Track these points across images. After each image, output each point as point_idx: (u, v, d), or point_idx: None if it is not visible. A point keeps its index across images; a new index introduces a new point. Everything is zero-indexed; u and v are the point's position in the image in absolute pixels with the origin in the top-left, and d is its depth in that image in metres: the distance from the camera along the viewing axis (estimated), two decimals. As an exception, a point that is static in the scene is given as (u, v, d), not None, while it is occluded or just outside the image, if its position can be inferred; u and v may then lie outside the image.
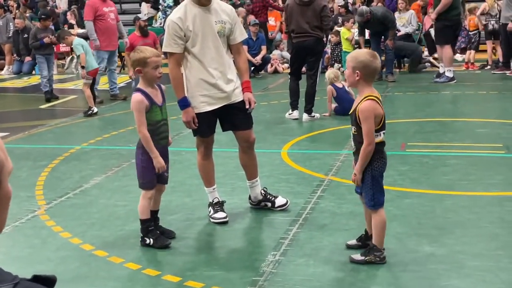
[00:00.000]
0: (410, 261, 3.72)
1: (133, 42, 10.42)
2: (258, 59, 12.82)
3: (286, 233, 4.24)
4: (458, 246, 3.93)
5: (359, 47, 12.32)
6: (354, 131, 3.61)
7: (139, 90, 4.00)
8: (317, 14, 7.82)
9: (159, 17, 18.09)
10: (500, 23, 11.72)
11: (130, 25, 17.15)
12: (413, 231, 4.17)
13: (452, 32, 10.74)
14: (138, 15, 11.05)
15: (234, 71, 4.53)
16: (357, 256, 3.72)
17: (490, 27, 12.49)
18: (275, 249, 3.98)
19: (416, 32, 13.20)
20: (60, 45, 15.03)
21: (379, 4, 14.06)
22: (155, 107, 4.00)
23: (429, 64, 12.72)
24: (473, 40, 12.87)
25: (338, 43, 12.78)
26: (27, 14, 16.92)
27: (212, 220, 4.53)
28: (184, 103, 4.34)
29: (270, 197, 4.75)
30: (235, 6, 14.36)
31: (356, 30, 12.30)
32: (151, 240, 4.06)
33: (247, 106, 4.47)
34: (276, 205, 4.72)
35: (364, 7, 11.60)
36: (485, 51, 13.16)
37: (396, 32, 12.31)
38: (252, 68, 12.48)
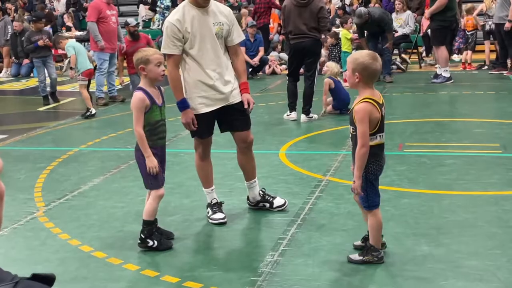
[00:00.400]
0: (407, 261, 3.73)
1: (126, 48, 10.63)
2: (255, 60, 12.84)
3: (285, 234, 4.26)
4: (455, 245, 3.95)
5: (358, 48, 12.36)
6: (352, 131, 3.63)
7: (140, 89, 4.01)
8: (314, 15, 7.83)
9: (156, 19, 18.12)
10: (494, 23, 11.76)
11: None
12: (410, 231, 4.19)
13: (447, 33, 10.77)
14: (127, 19, 11.07)
15: (232, 72, 4.54)
16: (355, 256, 3.74)
17: (488, 27, 12.53)
18: (273, 250, 3.99)
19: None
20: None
21: (376, 5, 14.11)
22: (155, 107, 4.02)
23: (395, 67, 12.65)
24: (470, 41, 12.90)
25: (336, 45, 12.80)
26: (25, 17, 16.92)
27: (210, 221, 4.55)
28: (183, 105, 4.35)
29: (269, 198, 4.76)
30: (232, 8, 14.39)
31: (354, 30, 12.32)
32: (155, 242, 4.06)
33: (245, 106, 4.48)
34: (274, 206, 4.73)
35: (362, 8, 11.62)
36: (482, 51, 13.19)
37: (394, 33, 12.35)
38: (250, 69, 12.50)
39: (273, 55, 14.03)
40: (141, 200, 4.68)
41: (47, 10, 18.41)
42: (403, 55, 13.39)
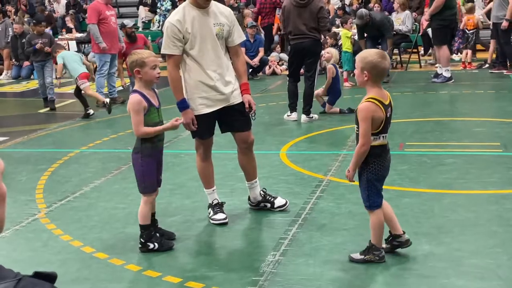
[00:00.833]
0: (409, 260, 3.74)
1: (125, 49, 10.68)
2: (256, 61, 12.85)
3: (286, 233, 4.27)
4: (456, 244, 3.95)
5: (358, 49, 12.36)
6: (356, 130, 3.63)
7: (136, 91, 3.99)
8: (314, 15, 7.84)
9: (156, 20, 18.13)
10: (492, 23, 11.77)
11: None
12: (411, 230, 4.18)
13: (448, 32, 10.79)
14: (124, 21, 11.12)
15: (232, 73, 4.55)
16: (356, 255, 3.74)
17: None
18: (274, 249, 4.00)
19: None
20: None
21: (376, 5, 14.13)
22: (153, 109, 4.01)
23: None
24: (469, 40, 12.90)
25: (335, 45, 12.80)
26: (25, 19, 16.95)
27: (212, 221, 4.55)
28: (183, 105, 4.36)
29: (270, 198, 4.77)
30: (232, 8, 14.39)
31: (355, 31, 12.33)
32: (156, 244, 4.07)
33: (246, 106, 4.48)
34: (275, 206, 4.74)
35: (364, 10, 11.65)
36: (482, 50, 13.19)
37: (394, 32, 12.37)
38: (250, 70, 12.50)
39: (273, 55, 14.04)
40: (142, 201, 4.68)
41: (47, 12, 18.42)
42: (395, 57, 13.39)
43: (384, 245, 3.81)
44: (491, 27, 12.57)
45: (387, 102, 3.57)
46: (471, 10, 13.13)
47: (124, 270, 3.85)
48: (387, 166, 3.68)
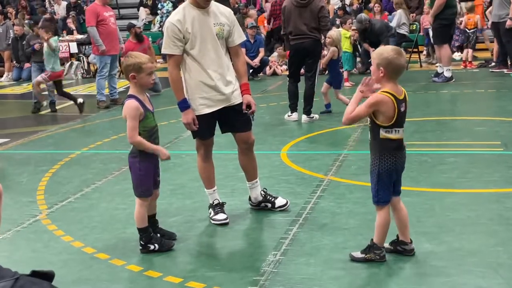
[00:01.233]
0: (410, 259, 3.74)
1: (131, 50, 10.59)
2: (256, 61, 12.86)
3: (287, 233, 4.27)
4: (457, 243, 3.96)
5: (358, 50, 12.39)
6: (369, 123, 3.64)
7: (133, 96, 3.92)
8: (315, 15, 7.84)
9: (157, 21, 18.15)
10: (492, 22, 11.77)
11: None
12: (412, 229, 4.16)
13: (449, 31, 10.79)
14: (132, 21, 11.21)
15: (233, 73, 4.55)
16: (357, 254, 3.74)
17: None
18: (275, 249, 4.00)
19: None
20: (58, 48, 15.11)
21: (376, 4, 14.14)
22: (149, 113, 3.98)
23: None
24: (470, 39, 12.91)
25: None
26: (26, 21, 16.96)
27: (212, 221, 4.56)
28: (184, 105, 4.36)
29: (270, 198, 4.77)
30: (234, 10, 14.41)
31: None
32: (156, 245, 4.06)
33: (244, 107, 4.48)
34: (276, 206, 4.74)
35: (363, 15, 11.71)
36: (483, 49, 13.19)
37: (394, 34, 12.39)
38: (251, 70, 12.51)
39: (274, 56, 14.05)
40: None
41: (47, 14, 18.44)
42: None
43: (386, 245, 3.80)
44: (488, 26, 12.57)
45: (401, 97, 3.56)
46: (471, 9, 13.14)
47: (125, 271, 3.85)
48: (401, 162, 3.63)
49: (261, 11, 17.33)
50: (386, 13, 14.24)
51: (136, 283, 3.71)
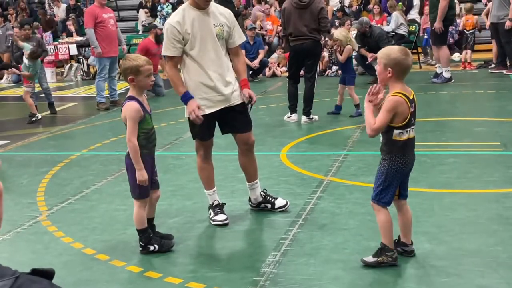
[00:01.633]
0: (410, 259, 3.75)
1: (149, 48, 10.98)
2: (256, 63, 12.87)
3: (286, 234, 4.28)
4: (456, 243, 3.96)
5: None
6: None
7: (133, 98, 3.93)
8: (314, 16, 7.85)
9: (158, 22, 18.15)
10: (491, 23, 11.78)
11: (129, 32, 17.27)
12: (412, 229, 4.19)
13: (447, 32, 10.81)
14: (154, 23, 11.30)
15: (232, 73, 4.56)
16: (369, 258, 3.68)
17: None
18: (275, 250, 4.01)
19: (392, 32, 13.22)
20: (59, 53, 15.12)
21: (376, 6, 14.16)
22: (147, 115, 3.99)
23: None
24: (469, 40, 12.91)
25: (332, 47, 12.80)
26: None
27: (212, 222, 4.56)
28: (187, 96, 4.33)
29: (270, 199, 4.78)
30: (238, 12, 14.41)
31: (353, 32, 12.35)
32: (156, 246, 4.07)
33: (245, 100, 4.45)
34: (276, 207, 4.75)
35: (365, 18, 11.72)
36: (481, 50, 13.19)
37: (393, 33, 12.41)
38: (250, 72, 12.51)
39: (273, 57, 14.05)
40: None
41: (48, 16, 18.45)
42: None
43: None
44: (487, 27, 12.58)
45: (411, 97, 3.55)
46: (470, 10, 13.15)
47: (125, 272, 3.86)
48: (410, 162, 3.61)
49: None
50: (386, 14, 14.23)
51: (136, 284, 3.71)
